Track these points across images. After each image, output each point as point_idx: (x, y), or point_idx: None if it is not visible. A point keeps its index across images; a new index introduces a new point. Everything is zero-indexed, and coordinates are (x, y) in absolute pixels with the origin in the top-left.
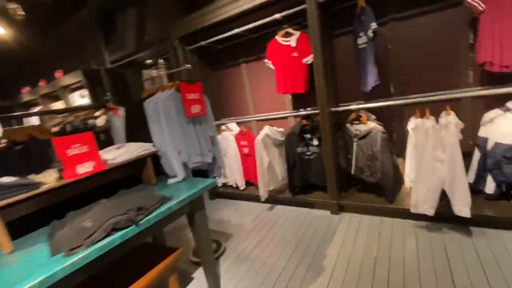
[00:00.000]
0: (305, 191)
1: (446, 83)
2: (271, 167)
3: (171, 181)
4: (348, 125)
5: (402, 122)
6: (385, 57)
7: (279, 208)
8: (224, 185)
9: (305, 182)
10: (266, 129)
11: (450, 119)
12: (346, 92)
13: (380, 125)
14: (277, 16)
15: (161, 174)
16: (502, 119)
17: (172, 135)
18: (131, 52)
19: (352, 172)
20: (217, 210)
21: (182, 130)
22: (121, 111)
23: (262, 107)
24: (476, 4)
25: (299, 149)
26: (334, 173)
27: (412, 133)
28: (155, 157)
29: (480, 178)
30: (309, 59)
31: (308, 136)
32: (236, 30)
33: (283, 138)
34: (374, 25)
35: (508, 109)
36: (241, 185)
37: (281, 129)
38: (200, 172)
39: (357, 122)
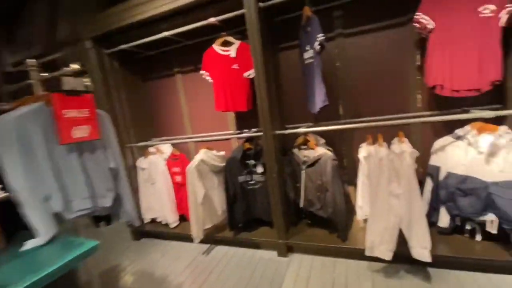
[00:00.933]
0: (249, 228)
1: (396, 106)
2: (208, 200)
3: (28, 245)
4: (295, 150)
5: (352, 146)
6: (333, 76)
7: (219, 249)
8: (153, 221)
9: (249, 217)
10: (202, 154)
11: (404, 147)
12: (294, 112)
13: (330, 150)
14: (212, 20)
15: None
16: (453, 148)
17: (33, 173)
18: (38, 54)
19: (301, 204)
20: (142, 255)
21: (54, 164)
22: None
23: (201, 126)
24: (425, 21)
25: (241, 178)
26: (281, 207)
27: (364, 161)
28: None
29: (433, 210)
30: (251, 73)
31: (252, 162)
32: (165, 34)
33: (224, 164)
34: (320, 36)
35: (458, 137)
36: (173, 221)
37: (222, 153)
38: (102, 217)
39: (305, 147)
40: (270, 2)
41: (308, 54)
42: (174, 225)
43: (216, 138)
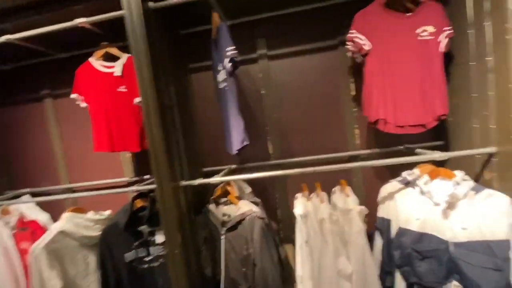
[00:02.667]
0: None
1: (333, 143)
2: None
3: None
4: (212, 206)
5: (287, 192)
6: (259, 105)
7: None
8: None
9: None
10: (65, 221)
11: (349, 202)
12: (215, 151)
13: (257, 204)
14: (81, 21)
15: None
16: (404, 197)
17: None
18: None
19: (222, 285)
20: None
21: None
22: None
23: (85, 173)
24: (361, 41)
25: (130, 255)
26: None
27: (301, 222)
28: None
29: (386, 274)
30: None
31: (146, 229)
32: (8, 37)
33: None
34: (230, 50)
35: (407, 183)
36: None
37: (106, 214)
38: None
39: (224, 200)
40: (164, 2)
41: (221, 76)
42: None
43: (99, 193)
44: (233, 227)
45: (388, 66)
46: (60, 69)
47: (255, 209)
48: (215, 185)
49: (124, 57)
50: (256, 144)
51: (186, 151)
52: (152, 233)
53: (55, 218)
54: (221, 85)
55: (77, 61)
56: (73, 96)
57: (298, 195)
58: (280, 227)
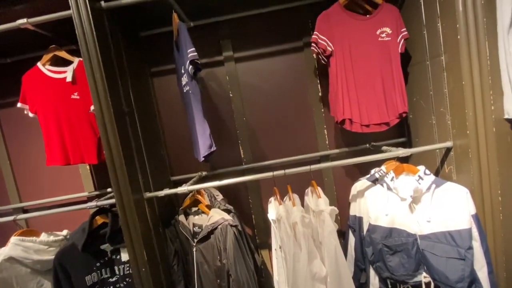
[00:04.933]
0: None
1: (303, 144)
2: None
3: None
4: (181, 217)
5: (261, 196)
6: (228, 109)
7: None
8: None
9: None
10: (13, 244)
11: (321, 203)
12: (184, 158)
13: (229, 211)
14: (22, 22)
15: None
16: (373, 194)
17: None
18: None
19: None
20: None
21: None
22: None
23: (39, 188)
24: (324, 43)
25: (91, 278)
26: None
27: (274, 227)
28: None
29: (360, 271)
30: None
31: (109, 247)
32: None
33: None
34: (191, 52)
35: (375, 179)
36: None
37: (62, 234)
38: None
39: (195, 210)
40: (117, 2)
41: (185, 80)
42: None
43: (53, 211)
44: (205, 238)
45: (351, 67)
46: (4, 75)
47: (227, 217)
48: (185, 195)
49: (75, 61)
50: (227, 149)
51: (150, 160)
52: (116, 251)
53: (3, 243)
54: (185, 89)
55: (24, 67)
56: (19, 105)
57: (272, 199)
58: (255, 233)
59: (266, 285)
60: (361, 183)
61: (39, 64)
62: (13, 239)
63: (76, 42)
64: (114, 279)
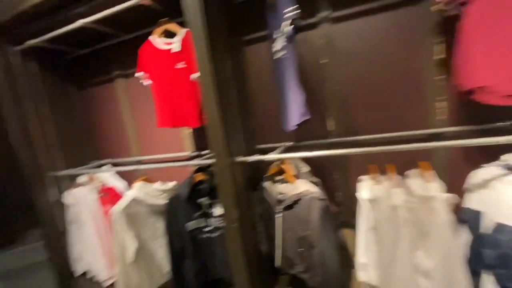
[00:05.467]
0: None
1: (407, 118)
2: (146, 256)
3: None
4: (267, 184)
5: (348, 173)
6: (319, 77)
7: None
8: (84, 275)
9: (205, 278)
10: (136, 190)
11: (431, 189)
12: (269, 127)
13: (315, 183)
14: None
15: None
16: (505, 186)
17: None
18: None
19: (277, 263)
20: None
21: None
22: None
23: (153, 146)
24: None
25: (192, 224)
26: (245, 266)
27: (368, 207)
28: None
29: (472, 275)
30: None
31: (206, 201)
32: (81, 22)
33: None
34: (291, 10)
35: (510, 168)
36: (105, 279)
37: (171, 185)
38: None
39: (280, 178)
40: None
41: (278, 45)
42: (109, 283)
43: (163, 165)
44: (289, 206)
45: (501, 16)
46: (127, 50)
47: (314, 189)
48: (269, 163)
49: (182, 32)
50: (313, 121)
51: (242, 127)
52: (211, 206)
53: (130, 185)
54: (278, 55)
55: (141, 41)
56: (137, 74)
57: (364, 177)
58: (340, 211)
59: (346, 264)
60: (487, 170)
61: (151, 38)
62: (137, 184)
63: (182, 14)
64: (208, 229)
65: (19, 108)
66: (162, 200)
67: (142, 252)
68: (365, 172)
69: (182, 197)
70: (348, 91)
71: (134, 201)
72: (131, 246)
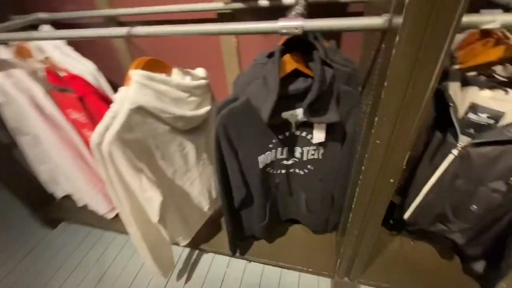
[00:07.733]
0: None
1: None
2: (175, 200)
3: None
4: (453, 85)
5: None
6: None
7: (214, 260)
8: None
9: (277, 222)
10: (139, 87)
11: None
12: None
13: None
14: None
15: None
16: None
17: None
18: None
19: (407, 215)
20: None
21: None
22: None
23: None
24: None
25: (267, 157)
26: (368, 207)
27: None
28: None
29: None
30: None
31: (300, 116)
32: None
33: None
34: None
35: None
36: (105, 211)
37: (202, 76)
38: None
39: (483, 79)
40: None
41: None
42: (110, 215)
43: (183, 30)
44: (492, 142)
45: None
46: None
47: None
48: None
49: None
50: None
51: None
52: (307, 126)
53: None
54: None
55: None
56: None
57: None
58: None
59: None
60: None
61: None
62: (136, 75)
63: None
64: (290, 161)
65: None
66: (192, 108)
67: (168, 198)
68: None
69: (257, 108)
70: None
71: (139, 112)
72: (150, 200)
